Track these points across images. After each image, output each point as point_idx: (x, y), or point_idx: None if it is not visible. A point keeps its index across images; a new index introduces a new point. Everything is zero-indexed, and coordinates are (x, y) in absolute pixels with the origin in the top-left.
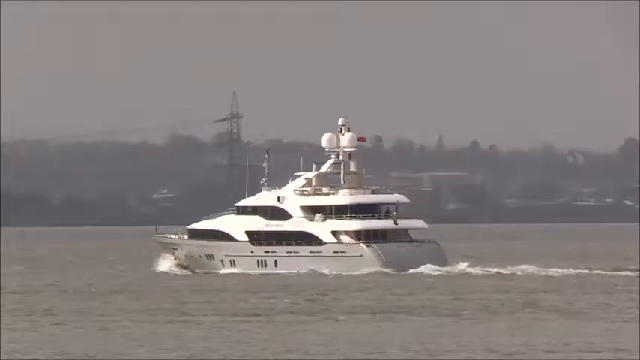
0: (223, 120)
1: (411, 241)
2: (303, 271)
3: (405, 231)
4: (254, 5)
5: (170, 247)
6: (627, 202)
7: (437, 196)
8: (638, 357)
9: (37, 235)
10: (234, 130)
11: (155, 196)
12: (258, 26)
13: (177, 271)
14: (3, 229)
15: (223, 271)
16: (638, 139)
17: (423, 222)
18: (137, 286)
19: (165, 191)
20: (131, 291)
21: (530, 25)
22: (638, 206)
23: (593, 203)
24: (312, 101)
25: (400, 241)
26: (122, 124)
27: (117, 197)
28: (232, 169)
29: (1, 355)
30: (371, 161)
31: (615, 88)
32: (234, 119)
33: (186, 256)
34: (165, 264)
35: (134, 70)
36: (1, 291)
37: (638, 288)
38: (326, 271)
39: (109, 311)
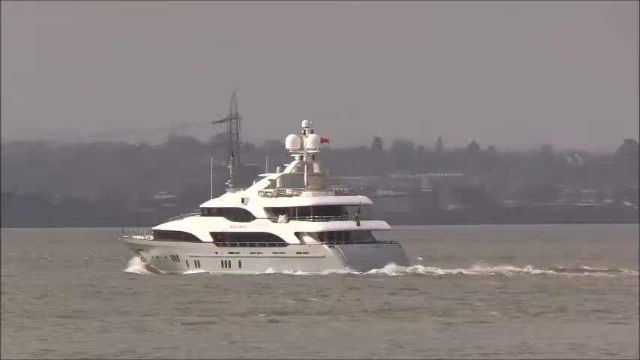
0: (222, 121)
1: (374, 242)
2: (267, 271)
3: (368, 232)
4: (254, 5)
5: (136, 249)
6: (626, 203)
7: (436, 196)
8: (638, 357)
9: (29, 236)
10: (234, 131)
11: (156, 197)
12: (258, 27)
13: (147, 272)
14: (3, 229)
15: (188, 272)
16: (637, 140)
17: (386, 223)
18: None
19: (164, 192)
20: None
21: (530, 25)
22: (637, 207)
23: (592, 204)
24: (311, 101)
25: (362, 242)
26: (122, 125)
27: (117, 198)
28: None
29: (1, 356)
30: (370, 162)
31: (615, 89)
32: (234, 120)
33: (152, 257)
34: (136, 265)
35: (134, 71)
36: (1, 291)
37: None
38: (289, 272)
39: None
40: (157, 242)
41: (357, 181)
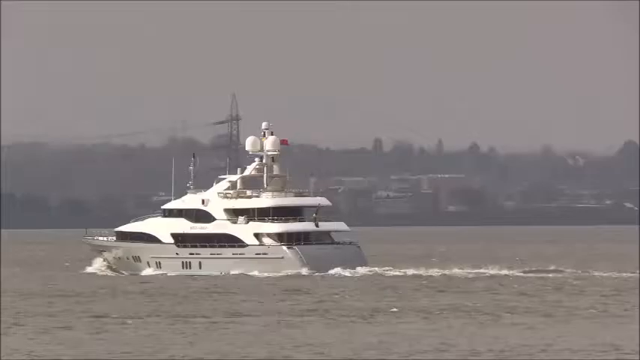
0: (222, 122)
1: (333, 243)
2: (230, 272)
3: (327, 233)
4: (254, 6)
5: (99, 250)
6: (627, 204)
7: (436, 198)
8: (638, 357)
9: (29, 237)
10: (234, 132)
11: (155, 198)
12: (259, 27)
13: (108, 273)
14: (3, 230)
15: (149, 272)
16: (637, 141)
17: (345, 224)
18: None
19: (163, 194)
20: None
21: (529, 26)
22: (637, 208)
23: (592, 205)
24: (311, 102)
25: (321, 243)
26: (121, 126)
27: (116, 200)
28: (231, 170)
29: (1, 355)
30: (371, 163)
31: (615, 90)
32: (234, 121)
33: (114, 258)
34: (96, 266)
35: (133, 71)
36: (0, 291)
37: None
38: (249, 273)
39: None
40: (118, 243)
41: (358, 182)
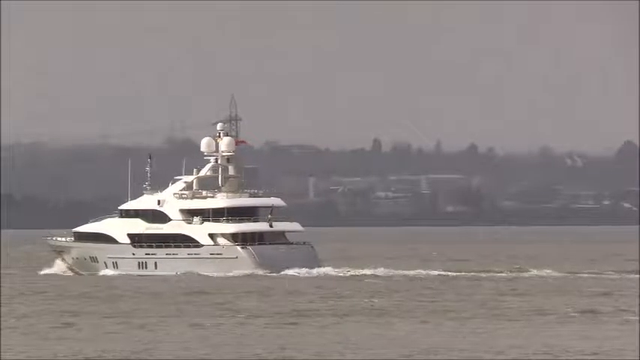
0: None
1: (286, 243)
2: (182, 272)
3: (282, 233)
4: (254, 6)
5: (58, 250)
6: (626, 205)
7: (435, 198)
8: (638, 357)
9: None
10: (233, 133)
11: None
12: (258, 27)
13: (68, 273)
14: (3, 231)
15: (106, 272)
16: (636, 141)
17: (299, 225)
18: None
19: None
20: None
21: (529, 26)
22: (636, 209)
23: (591, 206)
24: (311, 102)
25: (275, 244)
26: (120, 127)
27: (115, 200)
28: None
29: (1, 355)
30: (369, 164)
31: (615, 90)
32: (233, 121)
33: (73, 258)
34: (56, 266)
35: (133, 71)
36: (1, 291)
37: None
38: (203, 273)
39: None
40: (77, 244)
41: (356, 182)
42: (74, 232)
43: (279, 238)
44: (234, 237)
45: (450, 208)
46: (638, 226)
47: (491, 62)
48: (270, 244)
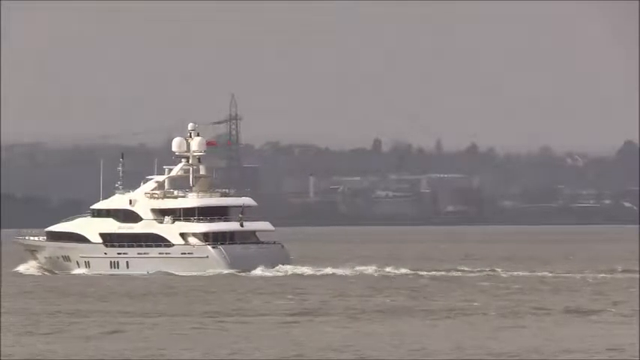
0: (222, 122)
1: (257, 242)
2: (153, 271)
3: (253, 233)
4: (254, 6)
5: (31, 250)
6: (626, 204)
7: (435, 198)
8: (638, 357)
9: None
10: (233, 132)
11: None
12: (257, 28)
13: (38, 273)
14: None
15: (77, 272)
16: (637, 141)
17: (270, 224)
18: None
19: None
20: None
21: (529, 26)
22: (637, 208)
23: (591, 205)
24: (310, 103)
25: (246, 243)
26: (120, 126)
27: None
28: (231, 170)
29: (1, 356)
30: (370, 164)
31: (615, 90)
32: (233, 120)
33: (45, 258)
34: (27, 265)
35: (132, 72)
36: (1, 290)
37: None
38: (175, 273)
39: None
40: (49, 243)
41: (357, 182)
42: (47, 232)
43: (249, 237)
44: (205, 236)
45: (450, 208)
46: (638, 226)
47: (491, 61)
48: (240, 243)
